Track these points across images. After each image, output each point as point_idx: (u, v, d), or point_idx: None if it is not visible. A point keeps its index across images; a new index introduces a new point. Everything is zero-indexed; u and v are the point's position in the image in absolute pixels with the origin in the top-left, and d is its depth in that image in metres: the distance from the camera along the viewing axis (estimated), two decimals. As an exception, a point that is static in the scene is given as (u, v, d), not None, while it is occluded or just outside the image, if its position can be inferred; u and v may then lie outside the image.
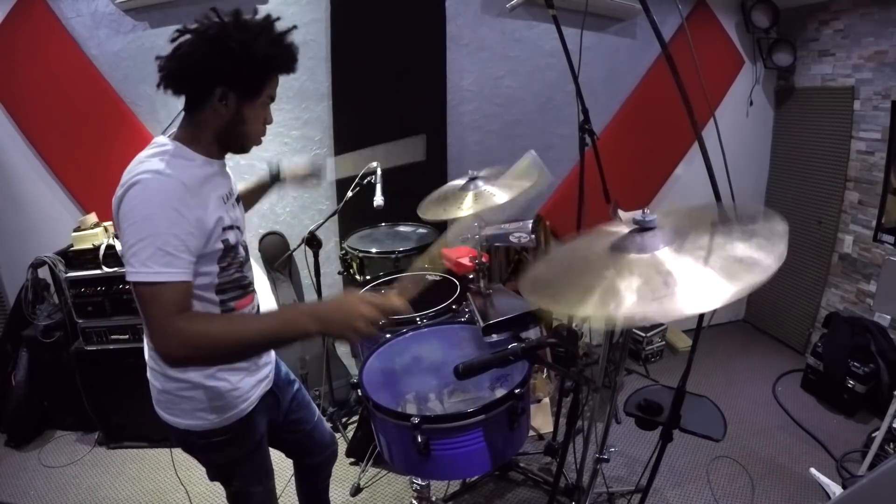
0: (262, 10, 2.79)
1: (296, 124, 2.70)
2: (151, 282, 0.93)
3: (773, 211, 0.93)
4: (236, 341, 0.94)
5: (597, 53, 2.95)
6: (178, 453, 1.29)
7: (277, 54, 1.07)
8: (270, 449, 1.45)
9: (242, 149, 1.18)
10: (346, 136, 2.70)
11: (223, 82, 1.03)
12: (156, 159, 1.01)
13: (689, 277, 0.84)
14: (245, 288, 1.23)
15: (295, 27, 1.13)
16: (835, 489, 2.15)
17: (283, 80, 3.02)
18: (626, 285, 0.87)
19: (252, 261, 1.36)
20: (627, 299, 0.84)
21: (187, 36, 1.01)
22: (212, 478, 1.34)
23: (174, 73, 1.03)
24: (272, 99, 1.15)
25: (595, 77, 2.97)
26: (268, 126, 1.18)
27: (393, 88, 2.66)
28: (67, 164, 2.61)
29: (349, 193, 2.11)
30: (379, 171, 2.07)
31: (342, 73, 2.62)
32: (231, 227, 1.14)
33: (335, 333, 1.02)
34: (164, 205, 0.95)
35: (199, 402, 1.17)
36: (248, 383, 1.24)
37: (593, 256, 1.02)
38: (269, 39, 1.04)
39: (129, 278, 0.94)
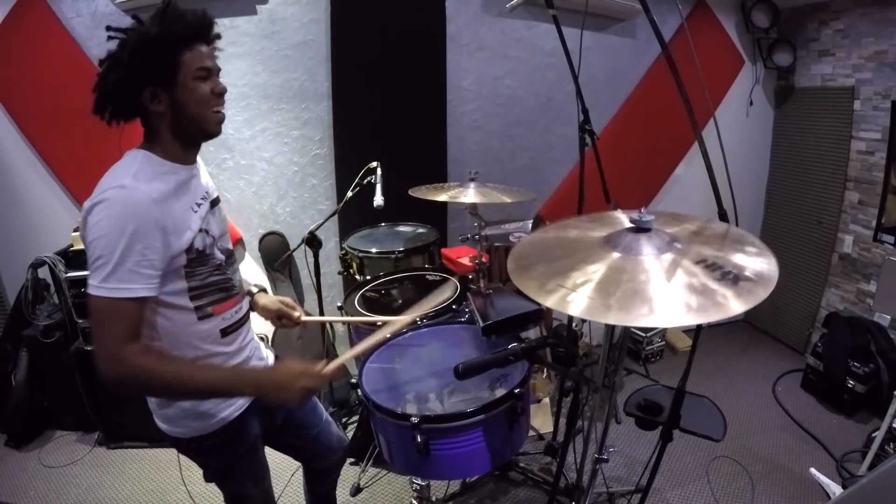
0: (262, 10, 2.79)
1: (296, 124, 2.70)
2: (109, 297, 0.94)
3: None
4: (179, 389, 1.00)
5: (597, 53, 2.95)
6: (178, 453, 1.29)
7: (167, 30, 1.01)
8: (274, 451, 1.45)
9: (206, 134, 1.14)
10: (346, 136, 2.70)
11: (140, 84, 1.03)
12: (124, 172, 1.02)
13: (658, 293, 0.85)
14: (227, 291, 1.21)
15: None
16: (835, 489, 2.15)
17: (284, 80, 3.02)
18: (587, 288, 0.89)
19: (252, 262, 1.36)
20: (578, 302, 0.87)
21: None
22: (207, 479, 1.34)
23: (101, 103, 1.03)
24: (208, 70, 1.08)
25: (595, 77, 2.97)
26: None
27: (393, 88, 2.66)
28: (67, 164, 2.61)
29: (349, 193, 2.12)
30: (379, 171, 2.07)
31: (342, 73, 2.62)
32: (200, 231, 1.11)
33: (268, 401, 1.12)
34: (127, 220, 0.95)
35: (183, 410, 1.18)
36: None
37: (582, 244, 1.05)
38: (155, 20, 1.01)
39: (89, 292, 0.96)
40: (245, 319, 1.30)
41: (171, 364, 1.02)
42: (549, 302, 0.90)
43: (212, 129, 1.14)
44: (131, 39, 1.00)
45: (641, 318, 0.81)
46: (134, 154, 1.07)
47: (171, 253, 1.03)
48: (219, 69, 1.13)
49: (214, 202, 1.24)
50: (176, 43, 1.03)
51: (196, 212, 1.12)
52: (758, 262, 0.92)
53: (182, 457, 1.31)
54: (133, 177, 1.00)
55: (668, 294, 0.85)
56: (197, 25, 1.06)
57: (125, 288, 0.94)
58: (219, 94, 1.11)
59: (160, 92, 1.04)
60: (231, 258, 1.27)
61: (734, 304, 0.82)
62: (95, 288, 0.94)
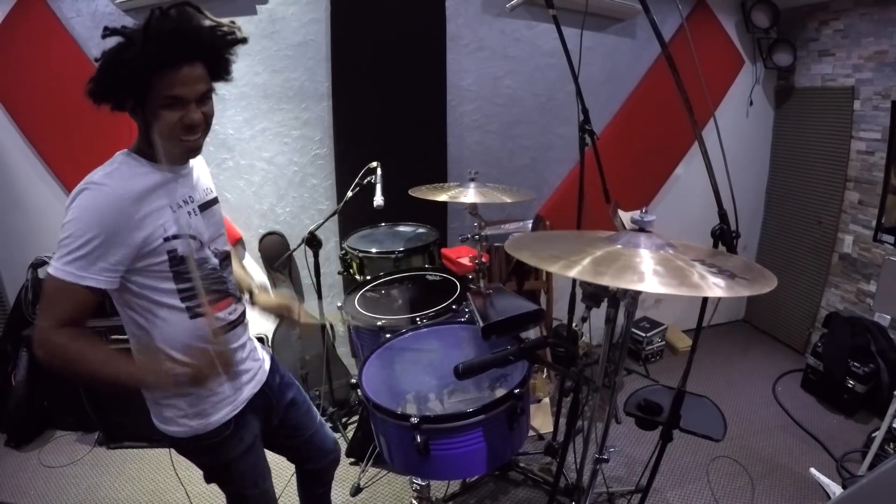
0: (262, 10, 2.79)
1: (296, 124, 2.70)
2: (57, 277, 0.97)
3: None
4: (90, 373, 1.00)
5: (597, 53, 2.95)
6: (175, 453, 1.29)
7: (139, 52, 0.96)
8: (270, 452, 1.45)
9: (174, 159, 1.11)
10: (346, 136, 2.70)
11: (119, 93, 1.01)
12: (100, 171, 1.04)
13: (644, 266, 0.97)
14: (220, 293, 1.22)
15: (159, 13, 0.99)
16: (835, 489, 2.15)
17: (284, 80, 3.02)
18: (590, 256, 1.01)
19: (251, 262, 1.35)
20: (581, 264, 0.97)
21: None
22: (208, 480, 1.34)
23: (93, 99, 1.02)
24: (176, 99, 1.02)
25: (595, 77, 2.97)
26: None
27: (393, 88, 2.65)
28: (67, 164, 2.60)
29: (349, 193, 2.12)
30: (379, 171, 2.07)
31: (342, 73, 2.62)
32: (179, 237, 1.09)
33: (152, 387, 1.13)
34: (92, 213, 0.98)
35: (179, 410, 1.18)
36: (229, 388, 1.23)
37: (584, 239, 1.14)
38: (138, 35, 0.96)
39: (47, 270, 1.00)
40: (240, 321, 1.30)
41: (90, 349, 1.01)
42: (549, 267, 0.99)
43: (179, 156, 1.12)
44: (108, 55, 0.98)
45: (631, 283, 0.90)
46: (119, 153, 1.09)
47: (139, 250, 1.04)
48: (200, 95, 1.05)
49: (206, 205, 1.23)
50: (146, 66, 0.97)
51: (175, 212, 1.10)
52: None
53: (180, 458, 1.30)
54: (107, 175, 1.03)
55: (658, 267, 0.95)
56: (180, 47, 0.99)
57: (74, 273, 0.97)
58: (187, 126, 1.05)
59: (137, 107, 1.03)
60: (226, 260, 1.27)
61: (719, 290, 0.89)
62: (50, 268, 0.99)
